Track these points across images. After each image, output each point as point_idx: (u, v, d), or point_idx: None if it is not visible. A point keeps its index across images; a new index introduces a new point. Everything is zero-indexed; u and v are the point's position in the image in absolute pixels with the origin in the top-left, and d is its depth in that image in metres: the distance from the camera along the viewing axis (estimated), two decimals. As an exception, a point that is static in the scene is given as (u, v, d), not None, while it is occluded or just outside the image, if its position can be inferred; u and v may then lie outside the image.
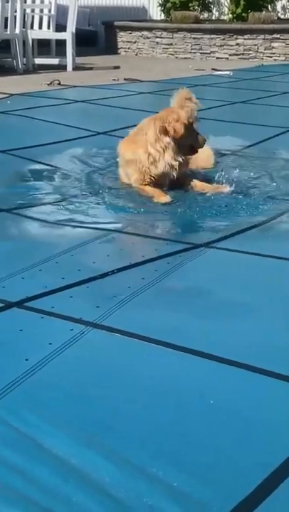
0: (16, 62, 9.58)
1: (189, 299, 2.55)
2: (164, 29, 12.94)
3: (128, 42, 13.31)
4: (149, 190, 3.80)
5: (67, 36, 9.88)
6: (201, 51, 12.61)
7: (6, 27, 9.28)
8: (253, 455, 1.62)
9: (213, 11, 14.16)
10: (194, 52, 12.66)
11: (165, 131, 3.76)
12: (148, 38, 13.06)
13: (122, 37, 13.36)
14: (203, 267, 2.87)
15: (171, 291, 2.61)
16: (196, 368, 2.03)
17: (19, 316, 2.33)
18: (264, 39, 12.16)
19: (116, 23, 13.43)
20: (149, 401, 1.85)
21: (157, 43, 12.99)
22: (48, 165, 4.55)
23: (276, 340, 2.19)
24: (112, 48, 13.36)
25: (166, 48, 12.92)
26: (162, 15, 14.11)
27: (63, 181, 4.18)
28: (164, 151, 3.78)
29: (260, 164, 4.62)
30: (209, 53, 12.54)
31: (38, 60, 10.04)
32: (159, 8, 14.09)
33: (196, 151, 3.97)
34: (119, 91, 7.84)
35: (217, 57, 12.44)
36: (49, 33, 10.38)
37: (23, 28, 9.64)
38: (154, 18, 14.53)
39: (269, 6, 13.37)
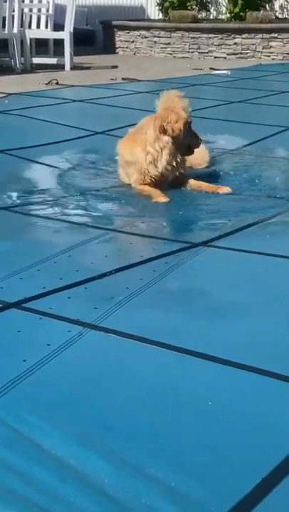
0: (13, 61, 9.57)
1: (188, 299, 2.54)
2: (162, 28, 12.94)
3: (126, 41, 13.30)
4: (148, 190, 3.80)
5: (65, 36, 9.88)
6: (199, 50, 12.60)
7: (3, 26, 9.28)
8: (251, 455, 1.63)
9: (211, 10, 14.16)
10: (192, 52, 12.66)
11: (164, 131, 3.77)
12: (146, 37, 13.05)
13: (120, 36, 13.35)
14: (201, 266, 2.87)
15: (170, 291, 2.61)
16: (195, 368, 2.03)
17: (17, 316, 2.33)
18: (262, 38, 12.16)
19: (114, 23, 13.43)
20: (148, 402, 1.85)
21: (155, 42, 12.98)
22: (45, 164, 4.55)
23: (275, 340, 2.19)
24: (110, 48, 13.35)
25: (164, 48, 12.92)
26: (160, 14, 14.10)
27: (61, 181, 4.18)
28: (162, 151, 3.79)
29: (258, 163, 4.62)
30: (207, 52, 12.54)
31: (36, 60, 10.03)
32: (157, 7, 14.08)
33: (193, 152, 3.98)
34: (117, 90, 7.84)
35: (215, 57, 12.43)
36: (47, 33, 10.37)
37: (21, 27, 9.64)
38: (152, 17, 14.52)
39: (267, 5, 13.37)
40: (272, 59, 12.08)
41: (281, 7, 13.83)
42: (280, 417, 1.78)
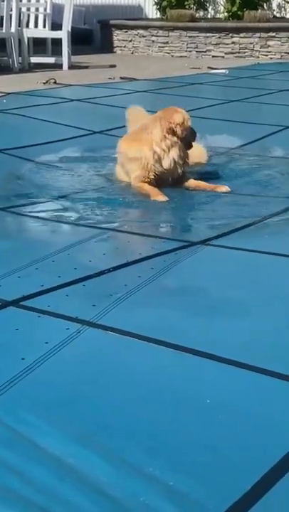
0: (11, 61, 9.56)
1: (186, 297, 2.54)
2: (160, 27, 12.94)
3: (124, 40, 13.30)
4: (148, 188, 3.80)
5: (63, 35, 9.87)
6: (196, 49, 12.60)
7: (1, 26, 9.27)
8: (250, 454, 1.62)
9: (209, 9, 14.16)
10: (190, 51, 12.66)
11: (173, 132, 3.79)
12: (144, 36, 13.05)
13: (118, 35, 13.35)
14: (199, 264, 2.87)
15: (168, 289, 2.61)
16: (193, 366, 2.02)
17: (15, 315, 2.32)
18: (260, 37, 12.16)
19: (112, 22, 13.42)
20: (146, 400, 1.84)
21: (153, 41, 12.98)
22: (43, 164, 4.54)
23: (273, 339, 2.19)
24: (107, 47, 13.35)
25: (162, 47, 12.91)
26: (158, 13, 14.10)
27: (59, 180, 4.17)
28: (169, 150, 3.82)
29: (256, 162, 4.62)
30: (205, 52, 12.54)
31: (34, 59, 10.02)
32: (155, 6, 14.08)
33: (192, 146, 4.00)
34: (115, 90, 7.83)
35: (213, 56, 12.43)
36: (45, 32, 10.36)
37: (19, 26, 9.63)
38: (150, 16, 14.52)
39: (265, 4, 13.37)
40: (270, 58, 12.08)
41: (279, 6, 13.83)
42: (279, 416, 1.77)
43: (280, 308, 2.42)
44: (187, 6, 13.47)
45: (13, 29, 9.40)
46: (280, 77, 9.38)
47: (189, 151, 3.98)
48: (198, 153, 4.31)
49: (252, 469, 1.56)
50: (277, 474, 1.55)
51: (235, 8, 12.97)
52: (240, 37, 12.26)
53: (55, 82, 8.26)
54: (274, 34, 12.10)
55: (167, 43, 12.86)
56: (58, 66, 9.89)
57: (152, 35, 12.97)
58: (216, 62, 11.43)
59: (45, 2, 10.32)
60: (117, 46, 13.37)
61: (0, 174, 4.26)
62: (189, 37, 12.63)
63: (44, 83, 8.22)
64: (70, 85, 8.24)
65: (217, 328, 2.27)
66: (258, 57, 12.12)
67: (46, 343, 2.10)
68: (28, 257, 2.82)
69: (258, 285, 2.65)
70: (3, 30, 9.29)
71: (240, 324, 2.29)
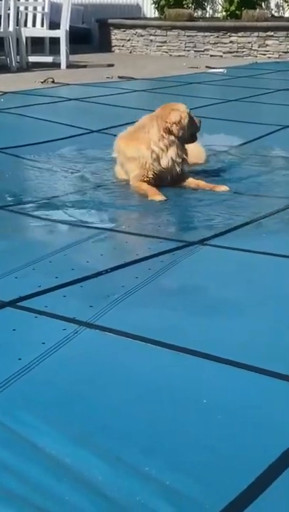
0: (9, 60, 9.55)
1: (183, 297, 2.54)
2: (158, 27, 12.93)
3: (122, 40, 13.29)
4: (146, 187, 3.80)
5: (61, 34, 9.86)
6: (195, 49, 12.60)
7: (-1, 25, 9.26)
8: (248, 453, 1.62)
9: (207, 8, 14.16)
10: (188, 50, 12.65)
11: (170, 132, 3.78)
12: (142, 35, 13.05)
13: (116, 35, 13.34)
14: (197, 264, 2.87)
15: (165, 289, 2.61)
16: (191, 366, 2.02)
17: (12, 315, 2.32)
18: (258, 37, 12.16)
19: (110, 21, 13.42)
20: (143, 400, 1.85)
21: (151, 40, 12.98)
22: (41, 163, 4.54)
23: (271, 339, 2.19)
24: (106, 46, 13.34)
25: (160, 46, 12.91)
26: (156, 12, 14.09)
27: (56, 179, 4.17)
28: (167, 149, 3.81)
29: (254, 162, 4.63)
30: (203, 51, 12.54)
31: (32, 58, 10.02)
32: (153, 5, 14.08)
33: (197, 138, 4.00)
34: (113, 89, 7.83)
35: (211, 55, 12.43)
36: (43, 31, 10.35)
37: (17, 25, 9.61)
38: (148, 15, 14.52)
39: (263, 3, 13.38)
40: (268, 57, 12.08)
41: (277, 5, 13.84)
42: (276, 416, 1.78)
43: (276, 308, 2.43)
44: (185, 6, 13.47)
45: (11, 28, 9.39)
46: (278, 76, 9.38)
47: (188, 151, 3.98)
48: (196, 152, 4.31)
49: (249, 469, 1.56)
50: (273, 473, 1.55)
51: (233, 8, 12.97)
52: (239, 36, 12.26)
53: (53, 82, 8.26)
54: (272, 33, 12.11)
55: (165, 42, 12.85)
56: (56, 65, 9.88)
57: (150, 35, 12.96)
58: (214, 61, 11.43)
59: (43, 1, 10.31)
60: (115, 45, 13.36)
61: (-3, 174, 4.27)
62: (187, 36, 12.63)
63: (42, 82, 8.22)
64: (68, 84, 8.23)
65: (215, 328, 2.27)
66: (256, 56, 12.12)
67: (43, 343, 2.10)
68: (25, 257, 2.81)
69: (255, 285, 2.66)
70: (1, 29, 9.28)
71: (237, 324, 2.30)
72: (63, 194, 3.84)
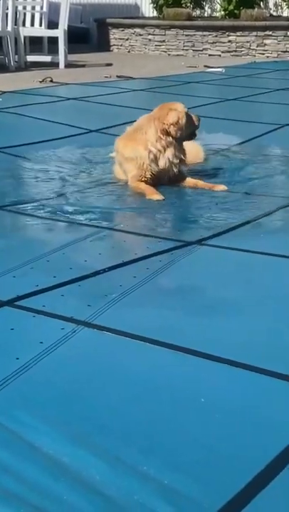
0: (7, 59, 9.55)
1: (181, 297, 2.54)
2: (157, 26, 12.94)
3: (120, 39, 13.29)
4: (143, 187, 3.81)
5: (60, 33, 9.86)
6: (193, 48, 12.61)
7: (-3, 24, 9.26)
8: (246, 453, 1.62)
9: (206, 8, 14.16)
10: (187, 50, 12.66)
11: (167, 133, 3.79)
12: (140, 35, 13.05)
13: (115, 34, 13.34)
14: (195, 264, 2.87)
15: (163, 289, 2.61)
16: (189, 366, 2.02)
17: (10, 314, 2.32)
18: (256, 36, 12.17)
19: (108, 20, 13.42)
20: (142, 399, 1.84)
21: (150, 40, 12.98)
22: (39, 163, 4.54)
23: (270, 338, 2.19)
24: (104, 45, 13.34)
25: (159, 45, 12.92)
26: (154, 12, 14.10)
27: (55, 179, 4.17)
28: (164, 150, 3.81)
29: (252, 161, 4.62)
30: (202, 50, 12.54)
31: (30, 58, 10.02)
32: (152, 5, 14.08)
33: (196, 134, 4.00)
34: (111, 88, 7.83)
35: (209, 54, 12.44)
36: (41, 31, 10.35)
37: (15, 25, 9.62)
38: (147, 15, 14.52)
39: (261, 2, 13.39)
40: (267, 57, 12.09)
41: (275, 5, 13.84)
42: (275, 415, 1.78)
43: (275, 308, 2.43)
44: (184, 5, 13.47)
45: (9, 28, 9.39)
46: (277, 75, 9.39)
47: (186, 150, 3.98)
48: (195, 152, 4.31)
49: (247, 468, 1.56)
50: (271, 473, 1.55)
51: (231, 7, 12.98)
52: (237, 35, 12.26)
53: (51, 81, 8.26)
54: (270, 33, 12.11)
55: (164, 41, 12.86)
56: (54, 65, 9.88)
57: (149, 34, 12.97)
58: (213, 60, 11.43)
59: (42, 1, 10.31)
60: (114, 45, 13.36)
61: (-4, 173, 4.26)
62: (186, 35, 12.64)
63: (40, 82, 8.22)
64: (67, 84, 8.23)
65: (213, 328, 2.27)
66: (255, 55, 12.13)
67: (41, 342, 2.10)
68: (23, 256, 2.81)
69: (253, 285, 2.66)
70: (0, 29, 9.28)
71: (235, 324, 2.30)
72: (61, 193, 3.83)
